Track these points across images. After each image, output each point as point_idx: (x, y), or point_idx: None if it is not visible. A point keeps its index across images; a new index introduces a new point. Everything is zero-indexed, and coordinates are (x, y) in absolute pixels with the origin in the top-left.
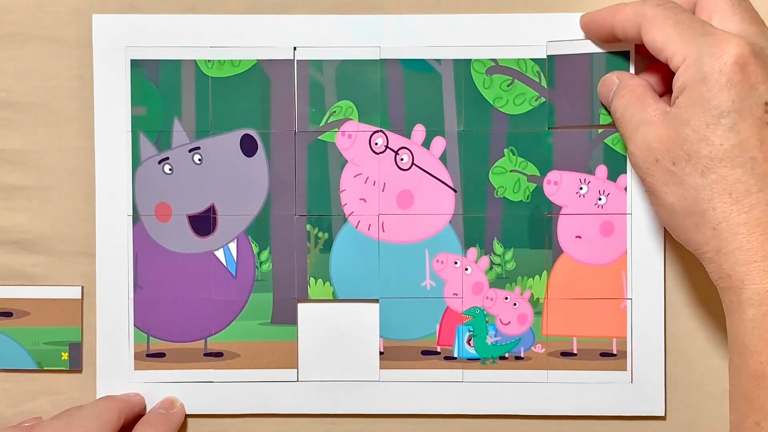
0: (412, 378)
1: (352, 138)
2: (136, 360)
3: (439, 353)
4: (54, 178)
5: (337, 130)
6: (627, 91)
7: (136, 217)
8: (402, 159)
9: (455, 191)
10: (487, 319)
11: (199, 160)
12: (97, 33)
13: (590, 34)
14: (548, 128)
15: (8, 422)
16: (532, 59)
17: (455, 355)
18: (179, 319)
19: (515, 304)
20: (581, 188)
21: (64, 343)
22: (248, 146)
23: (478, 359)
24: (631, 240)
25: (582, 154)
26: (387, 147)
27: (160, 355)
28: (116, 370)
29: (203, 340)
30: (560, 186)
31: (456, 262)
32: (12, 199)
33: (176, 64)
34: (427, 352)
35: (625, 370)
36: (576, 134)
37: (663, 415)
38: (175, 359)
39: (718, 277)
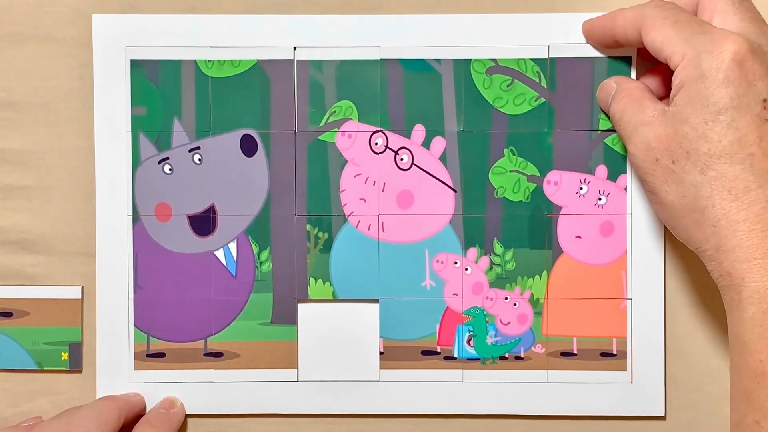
0: (412, 378)
1: (352, 138)
2: (136, 360)
3: (439, 353)
4: (54, 178)
5: (337, 130)
6: (625, 94)
7: (136, 217)
8: (402, 159)
9: (455, 191)
10: (487, 319)
11: (199, 160)
12: (97, 33)
13: (592, 40)
14: (547, 129)
15: (8, 422)
16: (532, 59)
17: (455, 355)
18: (179, 319)
19: (515, 304)
20: (581, 188)
21: (64, 343)
22: (248, 146)
23: (478, 359)
24: (631, 240)
25: (582, 154)
26: (387, 147)
27: (160, 355)
28: (116, 370)
29: (203, 340)
30: (560, 186)
31: (456, 262)
32: (12, 199)
33: (176, 64)
34: (427, 352)
35: (625, 370)
36: (576, 134)
37: (663, 415)
38: (175, 359)
39: (719, 275)
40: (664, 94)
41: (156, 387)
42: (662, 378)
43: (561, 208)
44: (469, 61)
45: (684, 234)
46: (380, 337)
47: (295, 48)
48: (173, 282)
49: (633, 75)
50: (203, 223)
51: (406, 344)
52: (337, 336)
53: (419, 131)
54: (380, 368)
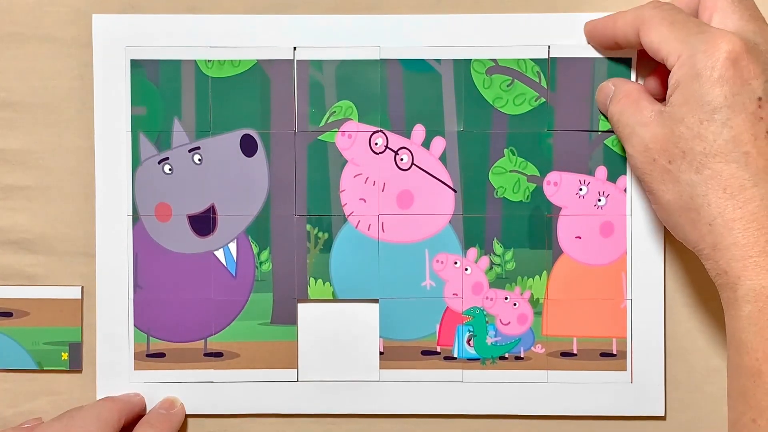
0: (412, 378)
1: (352, 138)
2: (136, 360)
3: (439, 353)
4: (54, 178)
5: (337, 130)
6: (623, 95)
7: (136, 217)
8: (402, 159)
9: (455, 191)
10: (487, 319)
11: (199, 160)
12: (97, 33)
13: (594, 41)
14: (547, 130)
15: (8, 422)
16: (532, 59)
17: (455, 355)
18: (179, 319)
19: (515, 305)
20: (581, 189)
21: (64, 343)
22: (248, 146)
23: (478, 359)
24: (630, 240)
25: (582, 155)
26: (387, 147)
27: (160, 355)
28: (116, 370)
29: (203, 340)
30: (560, 187)
31: (456, 262)
32: (12, 199)
33: (176, 64)
34: (427, 352)
35: (625, 370)
36: (576, 135)
37: (663, 415)
38: (175, 359)
39: (716, 274)
40: (664, 96)
41: (156, 387)
42: (662, 378)
43: (561, 208)
44: (469, 61)
45: (681, 233)
46: (380, 337)
47: (295, 48)
48: (173, 282)
49: (633, 76)
50: (203, 223)
51: (406, 344)
52: (337, 336)
53: (419, 131)
54: (380, 368)
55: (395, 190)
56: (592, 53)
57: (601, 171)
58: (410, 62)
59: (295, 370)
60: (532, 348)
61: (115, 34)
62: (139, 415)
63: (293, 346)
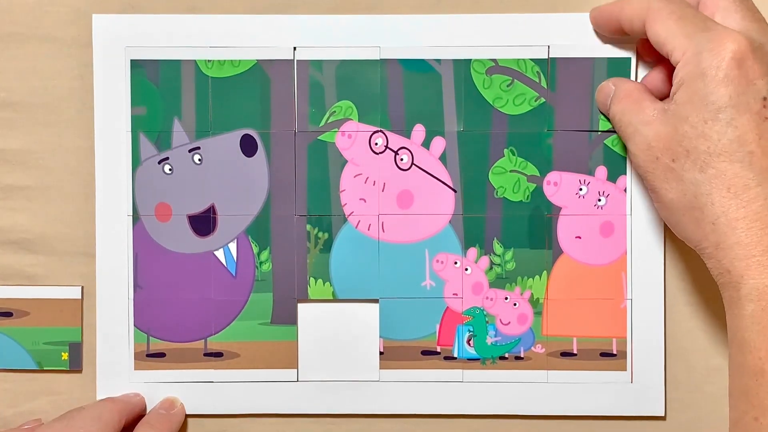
0: (412, 378)
1: (352, 138)
2: (136, 360)
3: (439, 353)
4: (54, 178)
5: (337, 130)
6: (624, 95)
7: (136, 217)
8: (402, 159)
9: (455, 191)
10: (487, 319)
11: (199, 160)
12: (97, 33)
13: (598, 27)
14: (547, 130)
15: (8, 423)
16: (531, 59)
17: (455, 355)
18: (179, 319)
19: (515, 304)
20: (581, 189)
21: (64, 343)
22: (248, 146)
23: (478, 359)
24: (630, 240)
25: (582, 155)
26: (387, 147)
27: (160, 355)
28: (116, 370)
29: (203, 340)
30: (560, 187)
31: (456, 262)
32: (12, 199)
33: (176, 64)
34: (427, 352)
35: (625, 370)
36: (576, 135)
37: (663, 415)
38: (175, 359)
39: (718, 273)
40: (663, 95)
41: (156, 387)
42: (662, 378)
43: (561, 208)
44: (469, 61)
45: (684, 232)
46: (380, 337)
47: (295, 48)
48: (173, 282)
49: (633, 76)
50: (203, 223)
51: (406, 344)
52: (337, 336)
53: (419, 131)
54: (380, 368)
55: (395, 190)
56: (592, 53)
57: (601, 171)
58: (410, 62)
59: (295, 370)
60: (532, 348)
61: (115, 34)
62: (139, 416)
63: (293, 346)
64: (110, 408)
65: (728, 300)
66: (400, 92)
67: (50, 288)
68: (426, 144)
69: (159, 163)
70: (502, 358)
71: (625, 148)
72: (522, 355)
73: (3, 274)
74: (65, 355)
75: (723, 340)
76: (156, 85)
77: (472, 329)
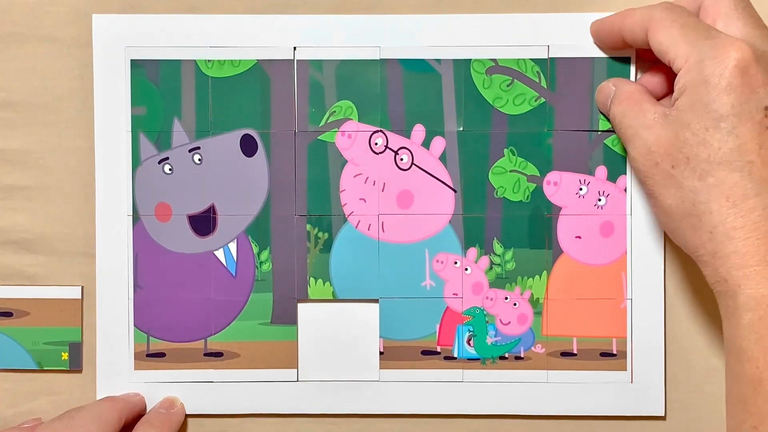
0: (412, 378)
1: (352, 138)
2: (136, 360)
3: (439, 353)
4: (54, 178)
5: (337, 130)
6: (625, 96)
7: (136, 217)
8: (402, 159)
9: (455, 191)
10: (487, 319)
11: (199, 160)
12: (97, 33)
13: (599, 39)
14: (547, 130)
15: (8, 422)
16: (531, 59)
17: (455, 355)
18: (179, 319)
19: (515, 304)
20: (581, 189)
21: (64, 343)
22: (248, 146)
23: (478, 359)
24: (630, 240)
25: (582, 155)
26: (387, 147)
27: (160, 355)
28: (116, 370)
29: (203, 340)
30: (560, 186)
31: (456, 262)
32: (12, 199)
33: (176, 64)
34: (427, 352)
35: (625, 370)
36: (576, 135)
37: (663, 415)
38: (175, 359)
39: (715, 281)
40: (662, 95)
41: (156, 387)
42: (662, 378)
43: (561, 208)
44: (469, 61)
45: (681, 238)
46: (380, 337)
47: (295, 48)
48: (173, 282)
49: (632, 76)
50: (203, 223)
51: (406, 344)
52: (337, 336)
53: (419, 131)
54: (380, 368)
55: (395, 190)
56: (592, 53)
57: (601, 171)
58: (410, 62)
59: (295, 370)
60: (532, 348)
61: (115, 34)
62: (139, 415)
63: (293, 346)
64: (110, 407)
65: (725, 309)
66: (400, 92)
67: (50, 288)
68: (426, 144)
69: (159, 163)
70: (502, 358)
71: (625, 148)
72: (522, 355)
73: (3, 274)
74: (65, 355)
75: (723, 341)
76: (156, 85)
77: (472, 329)
